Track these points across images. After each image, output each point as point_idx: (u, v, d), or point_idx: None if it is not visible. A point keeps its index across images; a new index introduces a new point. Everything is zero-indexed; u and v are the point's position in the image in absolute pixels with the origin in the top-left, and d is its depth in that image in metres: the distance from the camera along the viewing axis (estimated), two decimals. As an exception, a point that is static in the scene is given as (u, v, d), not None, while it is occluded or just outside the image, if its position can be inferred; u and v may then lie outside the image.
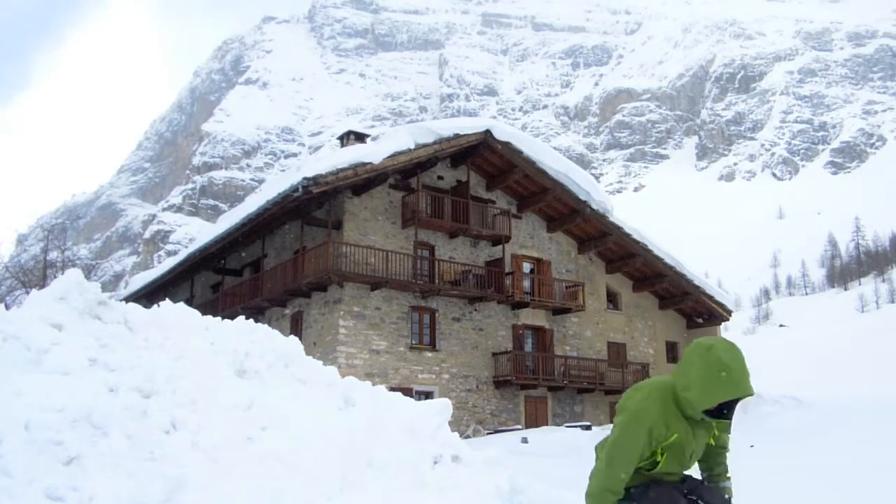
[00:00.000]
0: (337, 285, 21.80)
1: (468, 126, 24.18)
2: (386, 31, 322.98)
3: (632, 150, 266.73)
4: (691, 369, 2.98)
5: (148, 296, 30.81)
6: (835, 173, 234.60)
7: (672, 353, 30.82)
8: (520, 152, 24.72)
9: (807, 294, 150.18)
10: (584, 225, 27.22)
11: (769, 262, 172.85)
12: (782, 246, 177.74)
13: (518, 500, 3.41)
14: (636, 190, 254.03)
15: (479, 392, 24.03)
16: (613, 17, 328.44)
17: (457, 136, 23.27)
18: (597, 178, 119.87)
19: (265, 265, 25.59)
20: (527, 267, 26.72)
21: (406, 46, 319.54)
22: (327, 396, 3.78)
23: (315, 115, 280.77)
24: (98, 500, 2.40)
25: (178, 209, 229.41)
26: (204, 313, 4.73)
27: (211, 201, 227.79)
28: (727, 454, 3.33)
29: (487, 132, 23.99)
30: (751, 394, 2.91)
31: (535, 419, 24.94)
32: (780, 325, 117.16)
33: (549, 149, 27.01)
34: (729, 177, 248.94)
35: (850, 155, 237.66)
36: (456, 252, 24.73)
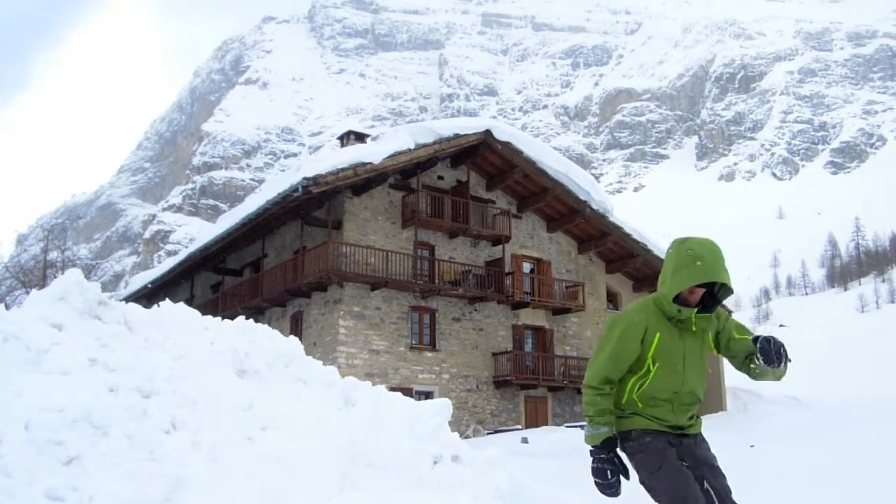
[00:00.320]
0: (337, 285, 21.80)
1: (468, 126, 24.18)
2: (386, 31, 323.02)
3: (632, 150, 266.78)
4: (667, 264, 3.03)
5: (148, 296, 30.80)
6: (835, 173, 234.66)
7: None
8: (520, 152, 24.72)
9: (807, 294, 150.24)
10: (584, 225, 27.22)
11: (769, 262, 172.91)
12: (782, 246, 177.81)
13: (518, 500, 3.41)
14: (636, 190, 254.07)
15: (479, 392, 24.03)
16: (613, 17, 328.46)
17: (457, 136, 23.27)
18: (597, 178, 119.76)
19: (265, 265, 25.59)
20: (527, 267, 26.72)
21: (406, 46, 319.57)
22: (327, 396, 3.78)
23: (315, 115, 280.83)
24: (98, 500, 2.40)
25: (178, 209, 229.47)
26: (204, 313, 4.74)
27: (211, 201, 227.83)
28: (748, 332, 3.20)
29: (487, 132, 23.99)
30: (724, 280, 2.91)
31: (535, 419, 24.93)
32: (780, 325, 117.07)
33: (549, 149, 27.01)
34: (729, 177, 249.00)
35: (850, 155, 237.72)
36: (456, 252, 24.73)
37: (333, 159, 21.10)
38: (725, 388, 30.16)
